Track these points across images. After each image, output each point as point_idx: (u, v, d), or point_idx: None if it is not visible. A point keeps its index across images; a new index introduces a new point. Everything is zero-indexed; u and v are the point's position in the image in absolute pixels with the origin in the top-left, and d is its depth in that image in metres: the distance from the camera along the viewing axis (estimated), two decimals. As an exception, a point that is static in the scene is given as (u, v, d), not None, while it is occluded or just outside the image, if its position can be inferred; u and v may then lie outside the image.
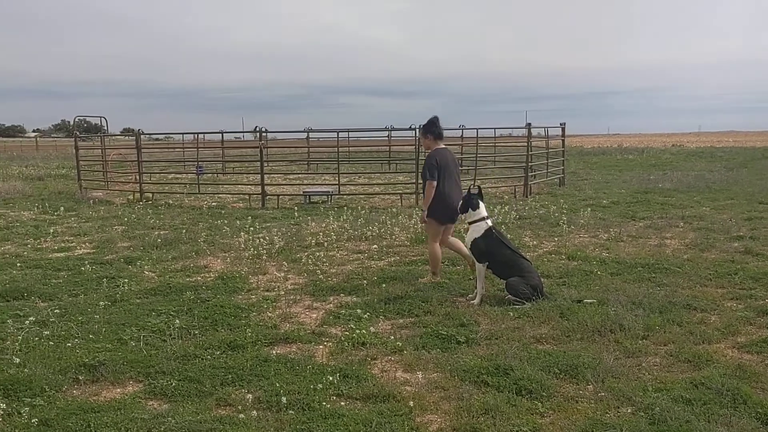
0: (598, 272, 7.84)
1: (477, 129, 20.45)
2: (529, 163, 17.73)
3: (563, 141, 21.29)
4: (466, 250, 7.53)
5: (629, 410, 4.24)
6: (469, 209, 7.06)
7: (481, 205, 7.06)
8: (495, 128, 24.17)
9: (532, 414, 4.22)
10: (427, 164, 7.52)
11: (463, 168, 23.03)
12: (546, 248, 9.69)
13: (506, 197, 16.74)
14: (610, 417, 4.16)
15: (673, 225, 11.52)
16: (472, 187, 7.23)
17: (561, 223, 11.07)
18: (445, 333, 5.68)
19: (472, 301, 6.72)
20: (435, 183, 7.45)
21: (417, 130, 16.44)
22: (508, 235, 8.47)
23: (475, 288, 6.89)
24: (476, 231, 6.96)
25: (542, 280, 6.95)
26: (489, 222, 7.01)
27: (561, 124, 20.84)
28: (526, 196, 16.82)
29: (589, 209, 13.03)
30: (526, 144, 18.08)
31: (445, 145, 7.82)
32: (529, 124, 17.89)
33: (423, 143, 7.97)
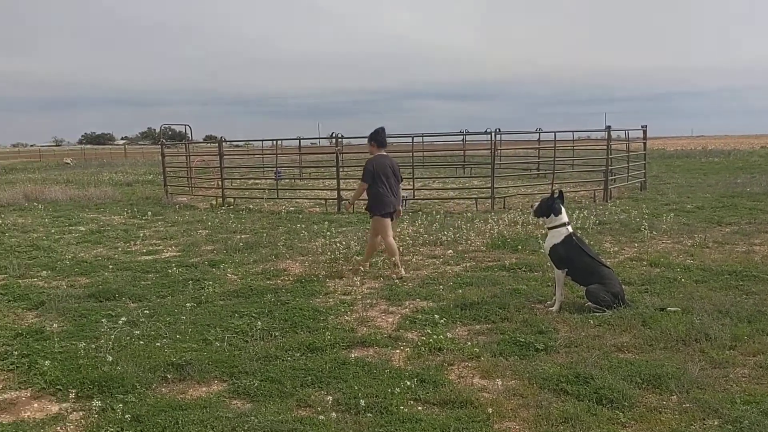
0: (682, 279, 7.59)
1: (554, 132, 20.15)
2: (609, 167, 17.31)
3: (644, 144, 20.68)
4: (398, 258, 8.59)
5: (716, 422, 4.10)
6: (551, 214, 6.91)
7: (563, 210, 6.95)
8: (573, 131, 23.73)
9: (614, 424, 4.14)
10: (366, 168, 8.60)
11: (541, 172, 22.77)
12: (627, 254, 9.45)
13: (585, 202, 16.41)
14: (695, 429, 4.04)
15: (763, 231, 11.02)
16: (554, 190, 7.12)
17: (642, 229, 10.76)
18: (523, 340, 5.64)
19: (550, 308, 6.63)
20: (366, 185, 8.57)
21: (493, 133, 16.38)
22: (588, 241, 8.31)
23: (554, 295, 6.80)
24: (556, 237, 6.84)
25: (623, 287, 6.78)
26: (569, 228, 6.89)
27: (642, 127, 20.25)
28: (606, 201, 16.43)
29: (672, 214, 12.61)
30: (605, 147, 17.66)
31: (387, 152, 8.90)
32: (609, 126, 17.47)
33: (368, 149, 8.93)
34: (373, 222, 8.71)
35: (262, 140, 29.48)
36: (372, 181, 8.52)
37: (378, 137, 8.73)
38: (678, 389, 4.56)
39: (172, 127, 40.59)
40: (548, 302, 6.84)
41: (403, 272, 8.50)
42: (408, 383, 4.71)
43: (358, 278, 8.18)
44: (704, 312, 6.12)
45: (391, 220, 8.75)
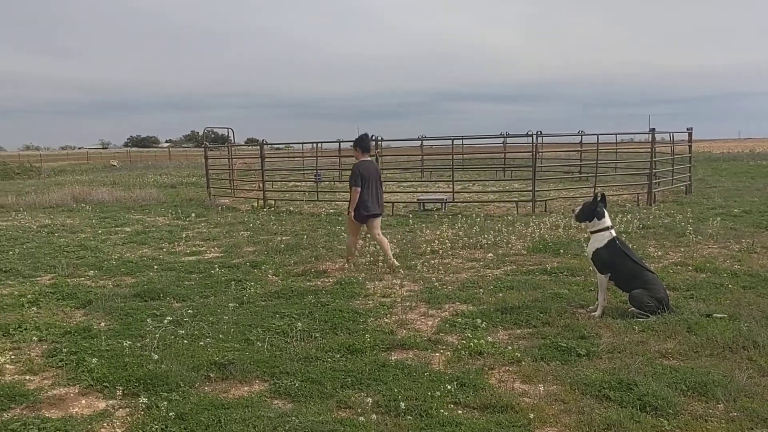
0: (729, 285, 7.42)
1: (597, 135, 19.91)
2: (653, 170, 17.01)
3: (690, 146, 20.24)
4: (389, 252, 9.16)
5: (765, 432, 4.00)
6: (594, 218, 6.81)
7: (606, 213, 6.85)
8: (616, 134, 23.38)
9: (658, 431, 4.07)
10: (353, 174, 9.13)
11: (583, 175, 22.49)
12: (672, 259, 9.27)
13: (628, 205, 16.15)
14: (743, 439, 3.94)
15: (815, 236, 10.68)
16: (597, 193, 7.02)
17: (688, 233, 10.56)
18: (565, 345, 5.57)
19: (593, 313, 6.54)
20: (359, 189, 8.99)
21: (534, 136, 16.25)
22: (631, 245, 8.17)
23: (597, 299, 6.71)
24: (598, 241, 6.75)
25: (668, 292, 6.66)
26: (612, 232, 6.78)
27: (687, 129, 19.82)
28: (650, 204, 16.14)
29: (719, 218, 12.32)
30: (649, 150, 17.35)
31: (371, 156, 9.57)
32: (653, 129, 17.18)
33: (354, 154, 9.51)
34: (348, 221, 9.46)
35: (303, 143, 29.75)
36: (359, 185, 9.07)
37: (363, 143, 9.36)
38: (725, 397, 4.46)
39: (215, 130, 41.16)
40: (591, 307, 6.75)
41: (350, 267, 9.18)
42: (448, 387, 4.70)
43: (397, 280, 8.20)
44: (752, 318, 5.98)
45: (375, 218, 9.36)
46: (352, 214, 9.15)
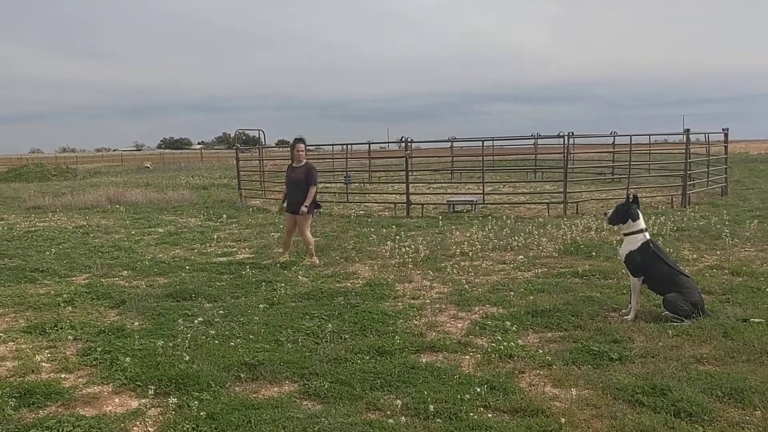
0: (767, 289, 7.25)
1: (630, 135, 19.65)
2: (688, 171, 16.72)
3: (726, 147, 19.86)
4: (313, 248, 10.12)
5: (805, 441, 3.90)
6: (629, 220, 6.71)
7: (640, 215, 6.73)
8: (649, 134, 23.04)
9: (693, 438, 3.99)
10: (315, 173, 10.33)
11: (616, 176, 22.22)
12: (707, 262, 9.10)
13: (662, 207, 15.90)
14: (782, 448, 3.84)
15: None
16: (630, 194, 6.91)
17: (723, 236, 10.35)
18: (597, 349, 5.49)
19: (625, 317, 6.45)
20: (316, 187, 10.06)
21: (566, 137, 16.09)
22: (665, 248, 8.04)
23: (629, 303, 6.61)
24: (632, 243, 6.65)
25: (703, 296, 6.53)
26: (647, 235, 6.68)
27: (723, 130, 19.46)
28: (684, 206, 15.87)
29: (756, 221, 12.06)
30: (683, 151, 17.07)
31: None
32: (688, 129, 16.90)
33: (303, 155, 10.59)
34: (307, 218, 10.21)
35: (333, 144, 29.83)
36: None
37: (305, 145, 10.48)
38: (762, 404, 4.36)
39: (246, 131, 41.58)
40: (623, 311, 6.66)
41: (317, 261, 9.87)
42: (478, 390, 4.67)
43: (427, 282, 8.17)
44: (791, 324, 5.83)
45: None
46: (305, 210, 10.06)
